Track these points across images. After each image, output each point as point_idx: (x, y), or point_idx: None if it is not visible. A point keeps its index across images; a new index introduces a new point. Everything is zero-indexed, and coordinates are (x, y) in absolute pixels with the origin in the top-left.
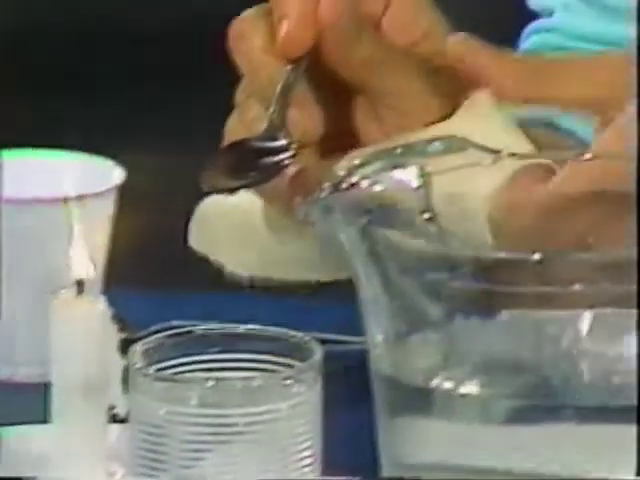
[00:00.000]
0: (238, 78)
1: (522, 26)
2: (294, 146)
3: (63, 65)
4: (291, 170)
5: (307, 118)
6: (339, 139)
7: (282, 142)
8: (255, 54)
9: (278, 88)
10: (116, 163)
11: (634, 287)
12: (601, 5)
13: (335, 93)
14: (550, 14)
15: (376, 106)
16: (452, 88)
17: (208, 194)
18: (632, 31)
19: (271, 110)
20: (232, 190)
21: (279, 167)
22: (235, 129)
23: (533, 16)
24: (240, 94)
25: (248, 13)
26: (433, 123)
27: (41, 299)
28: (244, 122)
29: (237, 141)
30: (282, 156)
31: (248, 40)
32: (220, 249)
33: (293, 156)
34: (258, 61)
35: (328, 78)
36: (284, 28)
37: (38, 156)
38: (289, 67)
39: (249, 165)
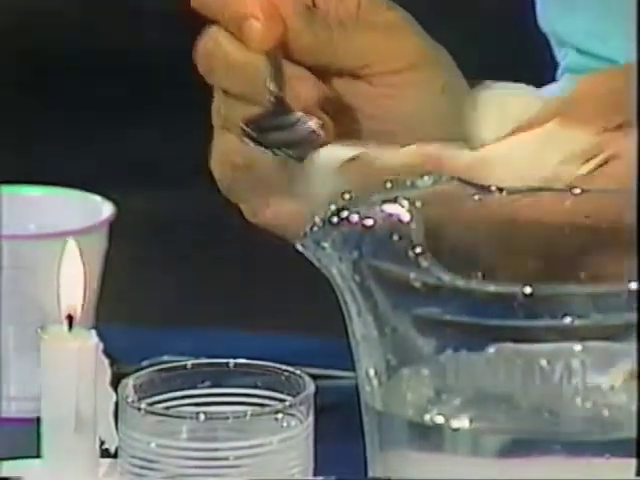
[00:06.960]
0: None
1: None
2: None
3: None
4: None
5: (305, 83)
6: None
7: (299, 115)
8: (233, 58)
9: (270, 71)
10: (105, 199)
11: (625, 319)
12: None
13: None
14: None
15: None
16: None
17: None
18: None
19: (271, 88)
20: (276, 146)
21: (316, 137)
22: (236, 147)
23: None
24: (221, 115)
25: (205, 36)
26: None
27: (33, 334)
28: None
29: (256, 116)
30: (312, 126)
31: (219, 52)
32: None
33: (322, 125)
34: (241, 62)
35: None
36: (254, 25)
37: (26, 192)
38: (270, 56)
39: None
